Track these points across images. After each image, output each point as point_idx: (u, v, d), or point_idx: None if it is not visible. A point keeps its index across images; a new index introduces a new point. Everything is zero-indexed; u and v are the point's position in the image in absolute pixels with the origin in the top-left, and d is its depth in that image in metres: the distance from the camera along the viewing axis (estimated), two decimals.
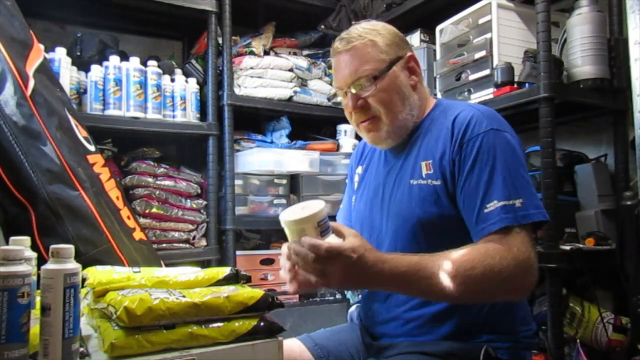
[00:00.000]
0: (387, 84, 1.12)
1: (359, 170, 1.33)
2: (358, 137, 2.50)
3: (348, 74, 1.13)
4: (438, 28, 1.99)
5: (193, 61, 2.30)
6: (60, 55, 1.84)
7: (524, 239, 0.97)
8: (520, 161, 1.04)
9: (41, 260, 0.84)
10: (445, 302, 1.04)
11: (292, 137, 2.41)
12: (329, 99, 2.43)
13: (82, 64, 1.98)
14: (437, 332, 1.06)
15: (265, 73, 2.28)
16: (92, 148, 1.56)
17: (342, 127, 2.50)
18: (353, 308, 1.35)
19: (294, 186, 2.37)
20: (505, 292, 0.97)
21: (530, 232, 0.99)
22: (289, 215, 0.95)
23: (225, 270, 0.94)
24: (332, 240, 0.93)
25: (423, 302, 1.08)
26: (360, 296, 1.36)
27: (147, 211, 1.97)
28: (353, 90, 1.13)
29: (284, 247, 1.00)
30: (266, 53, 2.34)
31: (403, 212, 1.11)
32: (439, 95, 1.94)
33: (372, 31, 1.14)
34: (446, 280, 0.92)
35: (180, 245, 2.09)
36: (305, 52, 2.50)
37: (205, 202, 2.16)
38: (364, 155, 1.34)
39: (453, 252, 0.95)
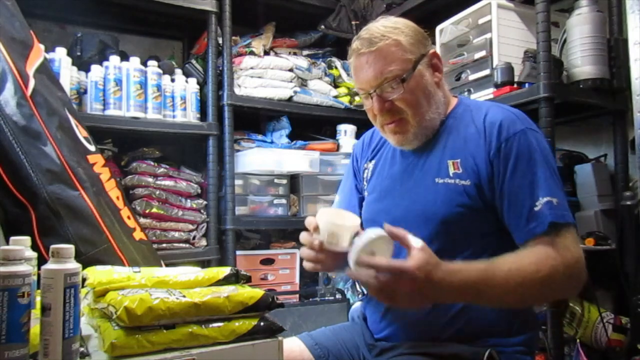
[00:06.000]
0: (414, 84, 1.07)
1: (369, 165, 1.27)
2: (358, 137, 2.50)
3: (373, 76, 1.07)
4: (438, 28, 1.99)
5: (193, 61, 2.29)
6: (60, 55, 1.84)
7: (572, 239, 0.97)
8: (554, 161, 1.04)
9: (41, 260, 0.84)
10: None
11: (292, 137, 2.41)
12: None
13: (82, 64, 1.98)
14: (443, 336, 1.05)
15: (265, 73, 2.28)
16: (92, 148, 1.56)
17: (342, 127, 2.50)
18: (355, 306, 1.35)
19: (294, 186, 2.38)
20: (558, 295, 0.99)
21: (574, 231, 0.99)
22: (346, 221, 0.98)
23: (225, 270, 0.94)
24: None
25: (434, 307, 1.05)
26: (361, 296, 1.36)
27: (147, 211, 1.97)
28: (378, 92, 1.08)
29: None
30: (266, 53, 2.34)
31: (427, 211, 1.08)
32: None
33: (394, 30, 1.08)
34: (514, 288, 0.91)
35: (181, 245, 2.09)
36: (305, 52, 2.50)
37: (205, 202, 2.16)
38: (373, 150, 1.28)
39: (517, 258, 0.94)
